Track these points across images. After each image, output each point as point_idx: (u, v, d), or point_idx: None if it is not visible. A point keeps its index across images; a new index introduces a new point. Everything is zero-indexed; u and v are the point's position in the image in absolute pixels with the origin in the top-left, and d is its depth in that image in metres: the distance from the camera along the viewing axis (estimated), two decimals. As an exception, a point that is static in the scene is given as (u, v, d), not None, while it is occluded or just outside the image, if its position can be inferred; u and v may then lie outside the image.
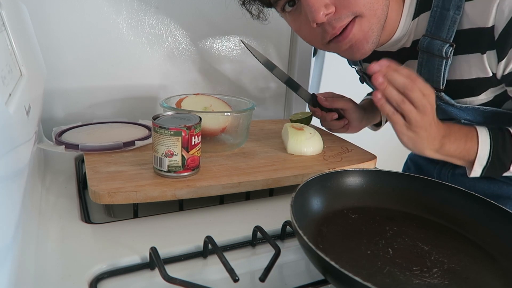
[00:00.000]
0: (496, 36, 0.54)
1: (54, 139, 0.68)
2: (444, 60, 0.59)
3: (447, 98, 0.64)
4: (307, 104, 0.87)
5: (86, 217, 0.55)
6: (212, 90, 1.00)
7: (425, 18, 0.61)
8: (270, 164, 0.66)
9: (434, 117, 0.58)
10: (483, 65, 0.58)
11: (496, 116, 0.65)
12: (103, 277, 0.43)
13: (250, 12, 0.68)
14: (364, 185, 0.56)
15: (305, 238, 0.38)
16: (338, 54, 0.66)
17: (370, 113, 0.88)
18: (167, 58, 0.93)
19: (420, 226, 0.51)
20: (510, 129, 0.62)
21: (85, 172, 0.60)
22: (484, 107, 0.64)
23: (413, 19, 0.62)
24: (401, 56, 0.68)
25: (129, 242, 0.49)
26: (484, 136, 0.61)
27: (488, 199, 0.50)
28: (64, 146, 0.64)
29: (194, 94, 0.77)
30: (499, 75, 0.58)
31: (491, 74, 0.59)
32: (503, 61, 0.56)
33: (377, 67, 0.54)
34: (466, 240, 0.49)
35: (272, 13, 0.70)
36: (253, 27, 1.00)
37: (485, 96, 0.63)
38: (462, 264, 0.44)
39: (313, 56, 1.12)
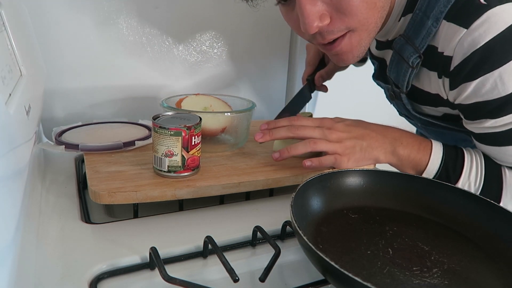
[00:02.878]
0: (451, 68, 0.55)
1: (54, 139, 0.68)
2: (410, 69, 0.60)
3: (405, 101, 0.65)
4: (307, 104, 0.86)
5: (86, 217, 0.55)
6: (212, 90, 1.00)
7: (406, 20, 0.61)
8: (270, 164, 0.66)
9: (368, 126, 0.64)
10: (439, 86, 0.60)
11: (447, 134, 0.67)
12: (103, 277, 0.43)
13: None
14: (364, 185, 0.56)
15: (305, 238, 0.38)
16: None
17: None
18: (167, 58, 0.93)
19: (420, 226, 0.51)
20: (464, 150, 0.62)
21: (85, 172, 0.60)
22: (436, 121, 0.66)
23: (398, 20, 0.62)
24: (386, 45, 0.68)
25: (129, 242, 0.49)
26: (437, 150, 0.62)
27: (488, 199, 0.50)
28: (64, 146, 0.64)
29: (194, 94, 0.77)
30: (451, 101, 0.59)
31: (446, 97, 0.60)
32: (454, 92, 0.57)
33: (259, 135, 0.64)
34: (466, 240, 0.49)
35: (270, 11, 0.69)
36: (253, 27, 1.00)
37: (442, 111, 0.64)
38: (462, 264, 0.44)
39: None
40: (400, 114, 0.77)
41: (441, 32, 0.55)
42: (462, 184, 0.61)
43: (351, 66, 0.88)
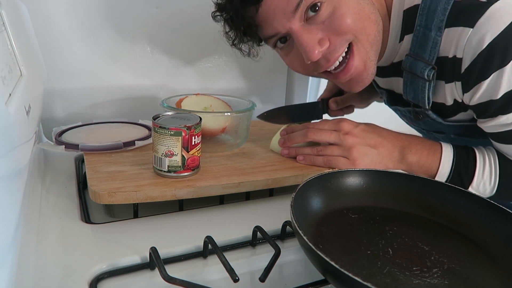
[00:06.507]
0: (462, 70, 0.55)
1: (54, 139, 0.68)
2: (427, 82, 0.60)
3: (434, 116, 0.64)
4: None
5: (86, 217, 0.55)
6: (212, 90, 1.00)
7: (409, 39, 0.60)
8: (270, 164, 0.66)
9: (381, 133, 0.63)
10: (453, 92, 0.59)
11: (475, 143, 0.65)
12: (103, 277, 0.43)
13: (241, 50, 0.67)
14: (364, 185, 0.56)
15: (305, 238, 0.38)
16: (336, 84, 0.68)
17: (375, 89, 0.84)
18: (167, 58, 0.93)
19: (420, 226, 0.51)
20: (475, 149, 0.62)
21: (85, 172, 0.60)
22: (471, 123, 0.64)
23: (399, 41, 0.62)
24: (391, 70, 0.68)
25: (129, 242, 0.49)
26: (447, 153, 0.62)
27: (488, 199, 0.50)
28: (64, 146, 0.64)
29: (194, 94, 0.77)
30: (467, 103, 0.59)
31: (460, 101, 0.60)
32: (468, 94, 0.57)
33: (285, 151, 0.68)
34: (466, 240, 0.49)
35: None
36: (253, 27, 1.00)
37: (468, 115, 0.63)
38: (462, 264, 0.44)
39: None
40: (428, 132, 0.73)
41: (444, 40, 0.55)
42: (476, 183, 0.60)
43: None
